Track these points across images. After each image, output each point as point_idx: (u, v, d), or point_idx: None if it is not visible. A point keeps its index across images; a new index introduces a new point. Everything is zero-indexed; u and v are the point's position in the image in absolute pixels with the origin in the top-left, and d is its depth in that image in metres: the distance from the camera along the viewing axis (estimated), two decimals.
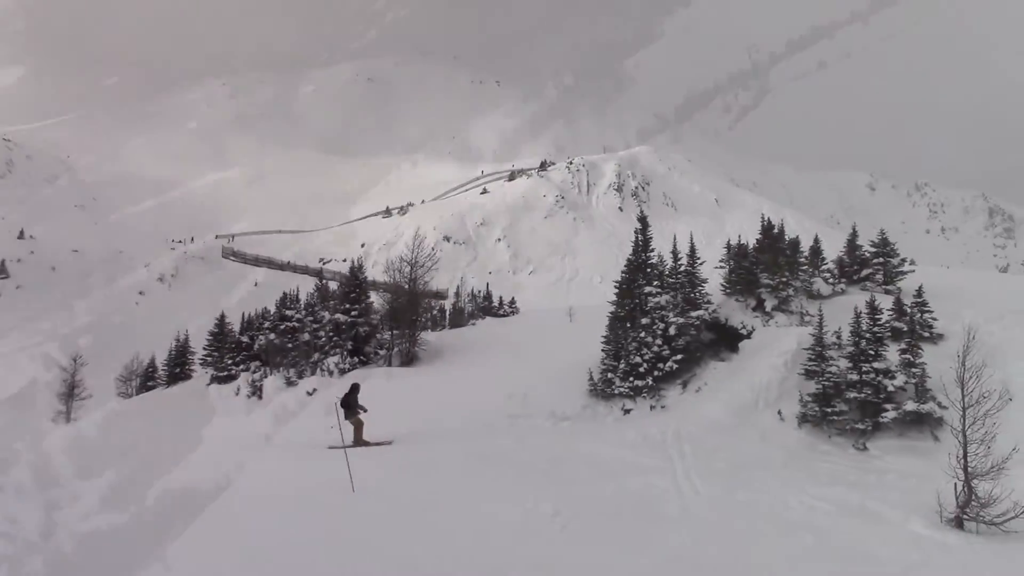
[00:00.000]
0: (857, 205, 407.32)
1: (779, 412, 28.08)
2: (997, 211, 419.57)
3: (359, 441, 26.49)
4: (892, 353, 28.26)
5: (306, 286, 67.69)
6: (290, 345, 48.64)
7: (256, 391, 44.60)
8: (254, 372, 47.83)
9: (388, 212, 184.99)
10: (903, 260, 40.29)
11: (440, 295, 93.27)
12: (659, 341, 32.76)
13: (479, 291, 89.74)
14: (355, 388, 27.99)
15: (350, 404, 26.78)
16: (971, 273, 78.36)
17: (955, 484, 19.77)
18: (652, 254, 36.37)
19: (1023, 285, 52.96)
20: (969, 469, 19.64)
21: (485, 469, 22.33)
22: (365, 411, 26.90)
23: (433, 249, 60.02)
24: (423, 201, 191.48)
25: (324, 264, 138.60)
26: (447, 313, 76.83)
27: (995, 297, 37.85)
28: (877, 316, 28.40)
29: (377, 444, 26.62)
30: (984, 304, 35.82)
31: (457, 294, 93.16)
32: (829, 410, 26.92)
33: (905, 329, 30.02)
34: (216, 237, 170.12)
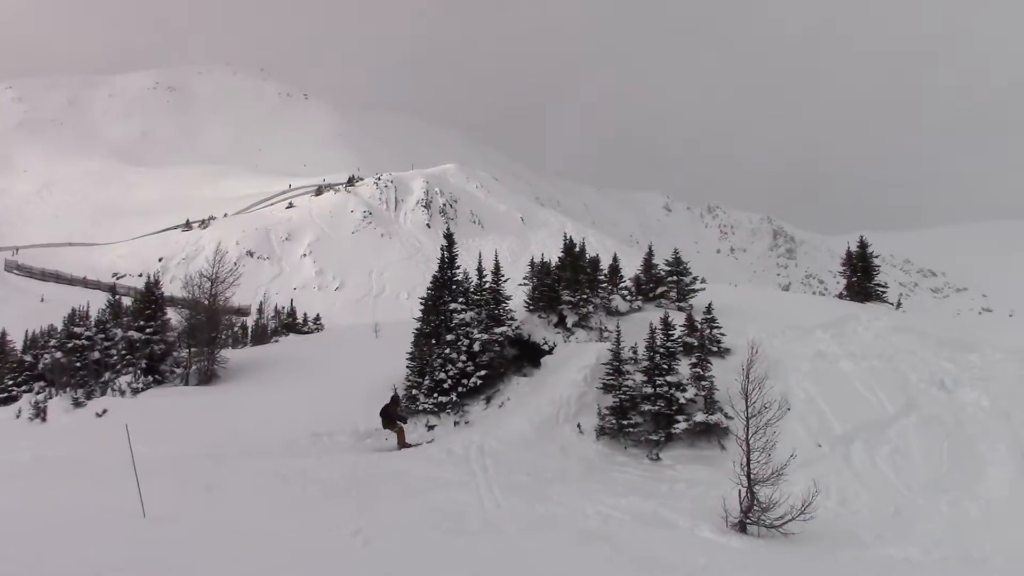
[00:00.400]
0: (654, 225, 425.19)
1: (578, 425, 28.88)
2: (780, 233, 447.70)
3: (403, 444, 29.05)
4: (684, 367, 29.65)
5: (98, 302, 64.23)
6: (79, 364, 46.07)
7: (39, 413, 41.93)
8: (37, 393, 44.97)
9: (188, 225, 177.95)
10: (695, 278, 42.30)
11: (242, 311, 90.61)
12: (464, 357, 33.06)
13: (283, 307, 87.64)
14: (395, 399, 30.63)
15: (390, 414, 29.66)
16: (756, 291, 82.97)
17: (739, 490, 20.93)
18: (458, 271, 36.72)
19: (802, 302, 56.66)
20: (752, 476, 20.84)
21: (285, 489, 21.85)
22: (405, 422, 30.74)
23: (235, 264, 58.23)
24: (226, 215, 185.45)
25: (118, 279, 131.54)
26: (249, 330, 74.63)
27: (777, 313, 40.29)
28: (670, 332, 29.73)
29: (417, 445, 28.98)
30: (767, 320, 38.12)
31: (260, 310, 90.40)
32: (625, 422, 27.93)
33: (696, 344, 31.53)
34: None
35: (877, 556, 20.48)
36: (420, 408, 32.14)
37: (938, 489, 26.30)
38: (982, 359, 37.42)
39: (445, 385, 32.47)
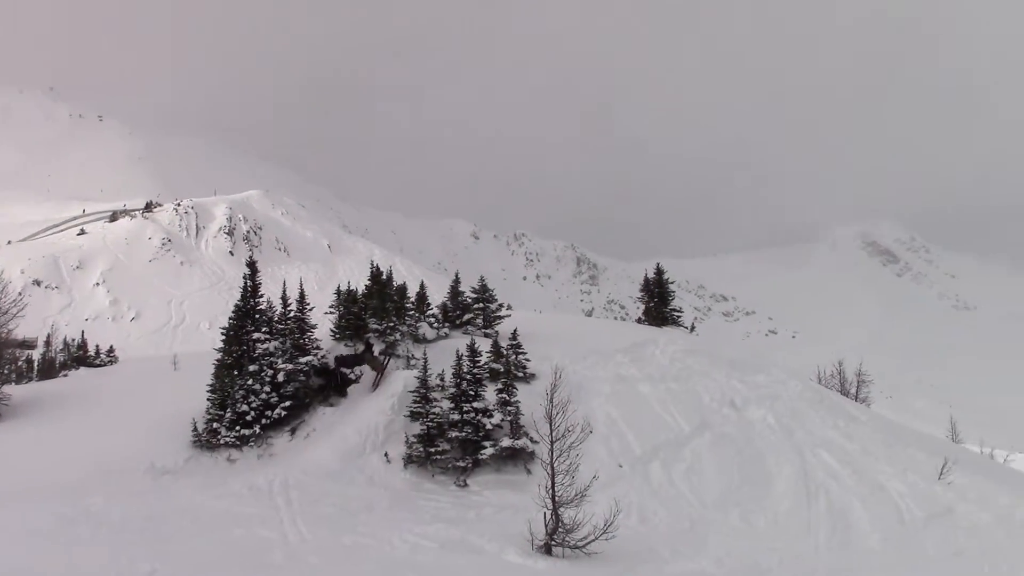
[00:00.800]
0: (462, 252, 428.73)
1: (386, 454, 28.71)
2: (584, 260, 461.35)
3: None
4: (490, 393, 30.01)
5: None
6: None
7: None
8: None
9: None
10: (501, 305, 43.02)
11: (27, 344, 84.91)
12: (268, 388, 32.24)
13: (73, 339, 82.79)
14: None
15: None
16: (561, 317, 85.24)
17: (544, 513, 21.36)
18: (262, 300, 35.81)
19: (604, 327, 58.57)
20: (556, 498, 21.32)
21: (71, 531, 20.59)
22: None
23: (20, 294, 54.67)
24: (9, 242, 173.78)
25: None
26: (36, 364, 70.11)
27: (580, 339, 41.50)
28: (477, 358, 30.05)
29: None
30: (571, 345, 39.19)
31: (48, 343, 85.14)
32: (433, 450, 27.98)
33: (502, 370, 32.00)
34: None
35: (675, 571, 21.37)
36: (222, 442, 31.05)
37: (730, 503, 27.73)
38: (768, 379, 39.80)
39: (248, 417, 31.53)
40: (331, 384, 34.74)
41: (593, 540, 20.87)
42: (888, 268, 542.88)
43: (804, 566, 22.99)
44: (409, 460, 28.22)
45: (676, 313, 50.09)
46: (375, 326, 35.96)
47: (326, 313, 39.07)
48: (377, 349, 35.83)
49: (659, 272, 50.54)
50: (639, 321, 51.53)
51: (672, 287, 51.45)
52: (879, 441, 34.52)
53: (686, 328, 51.61)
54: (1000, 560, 24.79)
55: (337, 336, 36.93)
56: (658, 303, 49.59)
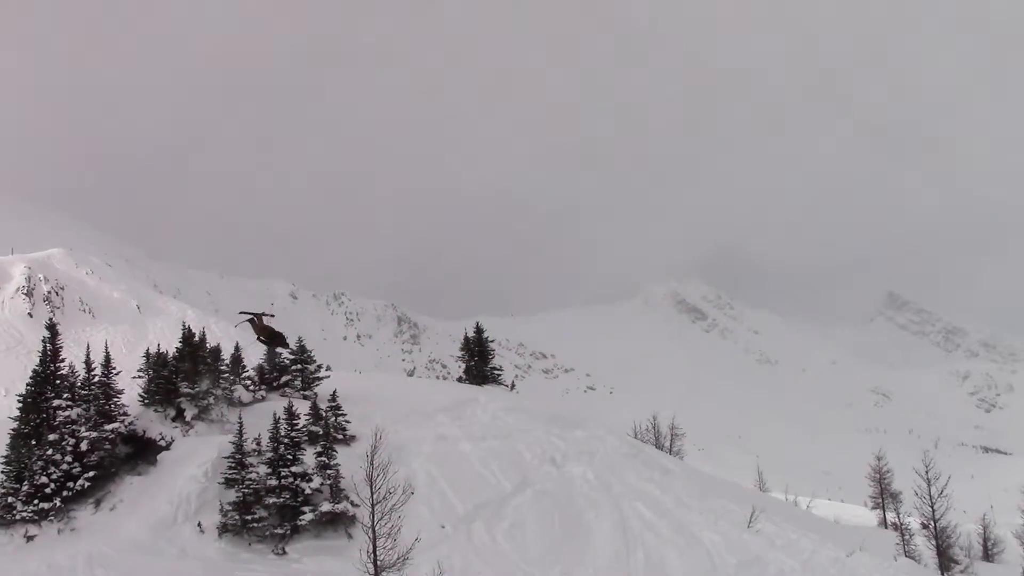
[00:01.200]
0: (281, 313, 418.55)
1: (199, 524, 27.51)
2: (405, 319, 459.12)
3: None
4: (309, 456, 29.32)
5: None
6: None
7: None
8: None
9: None
10: (320, 366, 42.24)
11: None
12: (69, 458, 30.38)
13: None
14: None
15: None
16: (382, 377, 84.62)
17: None
18: (63, 364, 33.87)
19: (425, 387, 58.46)
20: (378, 563, 20.94)
21: None
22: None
23: None
24: None
25: None
26: None
27: (401, 399, 41.24)
28: (295, 421, 29.37)
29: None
30: (392, 406, 38.87)
31: None
32: (249, 518, 27.02)
33: (321, 432, 31.33)
34: None
35: None
36: (18, 518, 28.95)
37: (553, 559, 27.98)
38: (586, 434, 40.65)
39: (48, 490, 29.57)
40: (140, 452, 33.09)
41: None
42: (697, 324, 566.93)
43: None
44: (224, 529, 27.12)
45: (496, 371, 50.57)
46: (187, 390, 34.64)
47: (134, 377, 37.32)
48: (189, 414, 34.49)
49: (479, 331, 50.99)
50: (460, 380, 51.67)
51: (492, 345, 51.95)
52: (693, 492, 35.78)
53: (506, 386, 52.19)
54: None
55: (146, 401, 35.30)
56: (479, 362, 49.95)
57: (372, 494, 21.12)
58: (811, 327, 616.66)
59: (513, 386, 55.81)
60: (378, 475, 21.22)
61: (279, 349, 29.12)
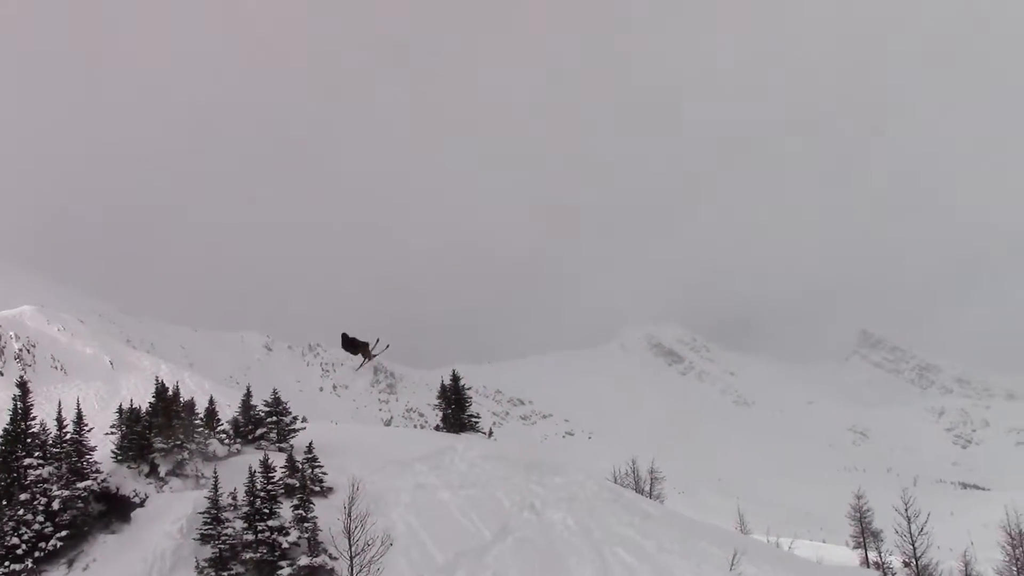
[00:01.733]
0: (255, 365, 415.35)
1: None
2: (381, 369, 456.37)
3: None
4: (286, 509, 28.97)
5: None
6: None
7: None
8: None
9: None
10: (295, 418, 41.89)
11: None
12: (41, 518, 29.90)
13: None
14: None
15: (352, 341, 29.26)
16: (358, 428, 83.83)
17: None
18: (34, 422, 33.47)
19: (402, 436, 58.08)
20: None
21: None
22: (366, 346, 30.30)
23: None
24: None
25: None
26: None
27: (378, 449, 40.92)
28: (271, 474, 29.05)
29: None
30: (369, 456, 38.55)
31: None
32: (226, 574, 26.61)
33: (298, 484, 31.00)
34: None
35: None
36: None
37: None
38: (566, 480, 40.44)
39: (19, 551, 29.05)
40: (113, 509, 32.59)
41: None
42: (673, 367, 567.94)
43: None
44: None
45: (474, 419, 50.36)
46: (161, 445, 34.26)
47: (107, 434, 36.92)
48: (164, 469, 34.07)
49: (455, 379, 50.83)
50: (438, 428, 51.41)
51: (469, 393, 51.81)
52: (674, 536, 35.60)
53: (484, 433, 51.92)
54: None
55: (119, 458, 34.89)
56: (456, 410, 49.74)
57: (351, 546, 20.93)
58: (787, 367, 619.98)
59: (491, 433, 55.51)
60: (356, 527, 21.04)
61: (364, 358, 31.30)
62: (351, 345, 31.65)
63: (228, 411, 44.79)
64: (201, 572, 26.69)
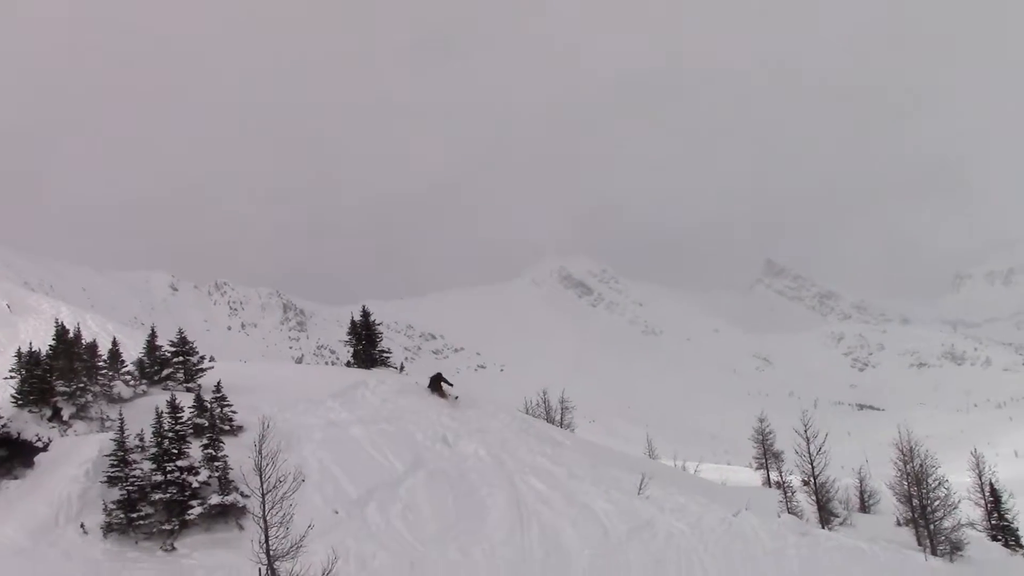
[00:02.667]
0: (160, 306, 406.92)
1: (82, 525, 26.59)
2: (290, 307, 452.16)
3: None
4: (195, 449, 28.64)
5: None
6: None
7: None
8: None
9: None
10: (203, 357, 41.25)
11: None
12: None
13: None
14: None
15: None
16: (269, 366, 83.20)
17: (260, 569, 20.66)
18: None
19: (313, 373, 57.79)
20: (271, 552, 20.70)
21: None
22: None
23: None
24: None
25: None
26: None
27: (289, 387, 40.68)
28: (179, 414, 28.61)
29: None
30: (280, 394, 38.32)
31: None
32: (135, 515, 26.25)
33: (207, 424, 30.66)
34: None
35: None
36: None
37: (448, 538, 28.10)
38: (478, 413, 40.91)
39: None
40: (15, 455, 31.80)
41: None
42: (583, 299, 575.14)
43: None
44: (109, 529, 26.29)
45: (385, 354, 50.29)
46: (63, 388, 33.45)
47: (6, 378, 35.90)
48: (67, 413, 33.32)
49: (365, 314, 50.57)
50: (349, 365, 51.22)
51: (380, 328, 51.65)
52: (584, 464, 36.43)
53: (396, 368, 51.95)
54: (694, 562, 26.89)
55: (19, 403, 33.93)
56: (366, 345, 49.59)
57: (262, 484, 20.84)
58: (694, 297, 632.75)
59: (402, 368, 55.64)
60: (267, 464, 20.93)
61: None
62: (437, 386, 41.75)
63: (133, 353, 43.86)
64: (109, 514, 26.30)
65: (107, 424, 32.84)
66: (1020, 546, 42.42)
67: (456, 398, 41.96)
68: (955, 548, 35.38)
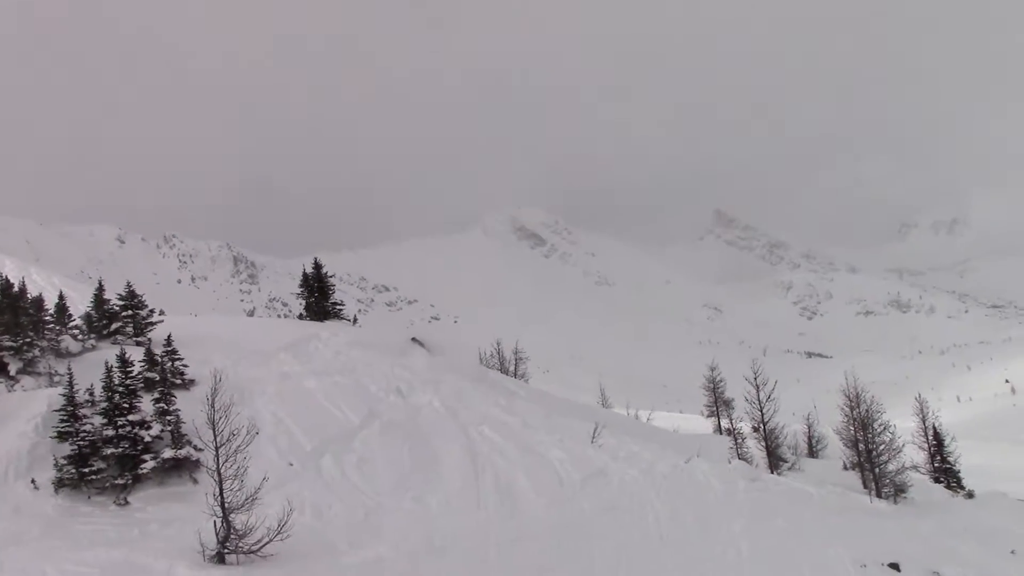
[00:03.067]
0: (107, 259, 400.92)
1: (32, 481, 26.34)
2: (241, 259, 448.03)
3: None
4: (147, 403, 28.42)
5: None
6: None
7: None
8: None
9: None
10: (152, 311, 40.80)
11: None
12: None
13: None
14: None
15: None
16: (220, 319, 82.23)
17: (215, 522, 20.62)
18: None
19: (265, 326, 57.40)
20: (226, 505, 20.65)
21: None
22: None
23: None
24: None
25: None
26: None
27: (241, 340, 40.41)
28: (129, 369, 28.30)
29: None
30: (231, 347, 38.07)
31: None
32: (87, 470, 26.04)
33: (158, 378, 30.39)
34: None
35: (352, 562, 21.47)
36: None
37: (403, 488, 28.22)
38: (432, 364, 40.98)
39: None
40: None
41: (267, 542, 20.50)
42: (536, 250, 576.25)
43: (476, 540, 23.95)
44: (60, 484, 26.06)
45: (338, 307, 50.13)
46: (9, 343, 32.92)
47: None
48: (14, 368, 32.83)
49: (317, 267, 50.27)
50: (301, 317, 50.98)
51: (332, 281, 51.37)
52: (538, 413, 36.74)
53: (349, 320, 51.81)
54: (647, 510, 27.33)
55: None
56: (319, 298, 49.35)
57: (215, 437, 20.74)
58: (646, 247, 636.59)
59: (356, 320, 55.52)
60: (220, 418, 20.81)
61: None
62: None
63: (80, 307, 43.21)
64: (60, 470, 26.06)
65: (56, 379, 32.43)
66: (961, 488, 43.59)
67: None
68: (899, 490, 36.30)
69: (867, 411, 39.69)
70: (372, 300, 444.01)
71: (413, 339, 44.15)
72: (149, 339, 38.03)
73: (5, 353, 32.95)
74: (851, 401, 40.22)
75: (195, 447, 27.01)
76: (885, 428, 38.87)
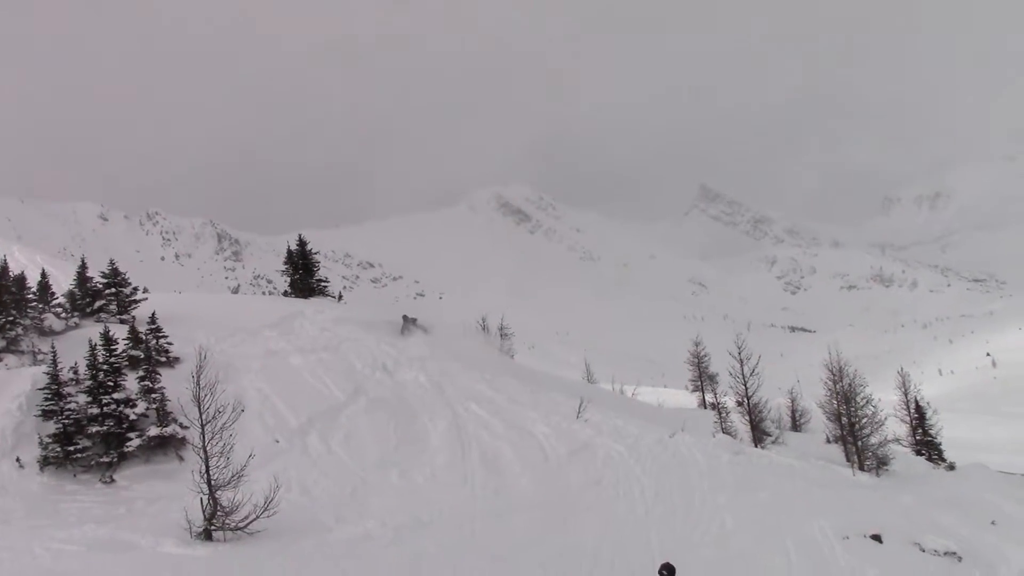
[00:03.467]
0: (90, 237, 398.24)
1: (18, 459, 26.28)
2: (225, 236, 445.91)
3: None
4: (132, 381, 28.37)
5: None
6: None
7: None
8: None
9: None
10: (136, 289, 40.59)
11: None
12: None
13: None
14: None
15: None
16: (204, 296, 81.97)
17: (201, 499, 20.66)
18: None
19: (250, 303, 57.17)
20: (212, 482, 20.68)
21: None
22: None
23: None
24: None
25: None
26: None
27: (226, 317, 40.26)
28: (113, 347, 28.22)
29: None
30: (217, 324, 37.95)
31: None
32: (72, 448, 26.00)
33: (143, 356, 30.32)
34: None
35: (339, 537, 21.56)
36: None
37: (389, 464, 28.32)
38: (420, 340, 41.04)
39: None
40: None
41: (254, 519, 20.56)
42: (521, 226, 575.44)
43: (462, 514, 24.09)
44: (46, 462, 26.02)
45: (323, 283, 50.03)
46: None
47: None
48: None
49: (302, 243, 50.09)
50: (286, 294, 50.85)
51: (317, 257, 51.21)
52: (524, 389, 36.82)
53: (334, 297, 51.72)
54: (632, 483, 27.51)
55: None
56: (303, 275, 49.22)
57: (201, 414, 20.72)
58: (631, 223, 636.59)
59: (341, 297, 55.41)
60: (206, 395, 20.79)
61: None
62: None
63: (63, 285, 42.92)
64: (46, 448, 26.00)
65: (40, 357, 32.27)
66: (942, 460, 44.00)
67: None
68: (881, 463, 36.58)
69: (850, 385, 39.93)
70: (357, 277, 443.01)
71: (405, 317, 44.07)
72: (133, 317, 37.87)
73: None
74: (834, 375, 40.45)
75: (181, 425, 27.00)
76: (868, 402, 39.11)
